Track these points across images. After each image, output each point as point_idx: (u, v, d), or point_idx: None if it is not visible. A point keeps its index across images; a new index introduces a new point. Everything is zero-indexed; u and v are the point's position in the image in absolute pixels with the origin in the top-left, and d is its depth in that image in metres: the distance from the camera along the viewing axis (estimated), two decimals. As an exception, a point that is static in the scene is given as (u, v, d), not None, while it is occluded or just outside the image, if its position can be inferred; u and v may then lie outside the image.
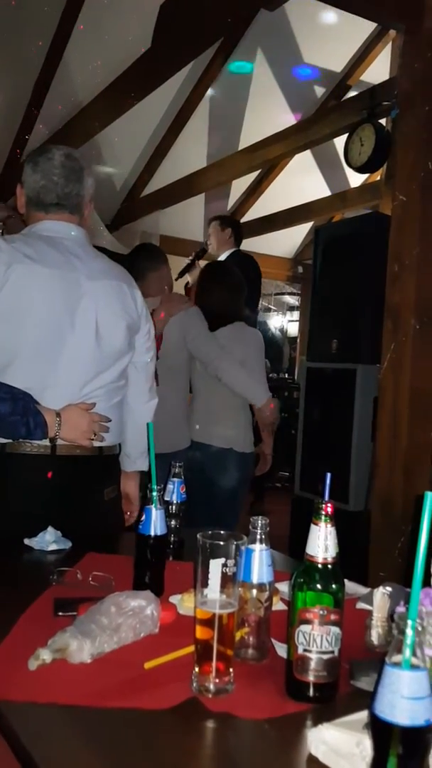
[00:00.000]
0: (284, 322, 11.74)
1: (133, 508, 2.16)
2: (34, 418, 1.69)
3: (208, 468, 3.18)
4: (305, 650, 1.01)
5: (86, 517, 1.85)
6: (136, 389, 2.09)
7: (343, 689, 1.05)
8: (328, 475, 1.07)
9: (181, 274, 4.44)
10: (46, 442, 1.77)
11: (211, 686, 1.03)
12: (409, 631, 0.75)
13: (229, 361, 3.09)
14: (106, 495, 1.97)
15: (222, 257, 4.44)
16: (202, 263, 4.40)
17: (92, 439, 1.81)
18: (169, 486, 1.80)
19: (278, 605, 1.35)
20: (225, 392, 3.16)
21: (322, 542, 1.03)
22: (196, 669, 1.04)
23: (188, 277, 4.46)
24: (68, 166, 1.91)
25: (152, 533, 1.42)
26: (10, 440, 1.77)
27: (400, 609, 0.95)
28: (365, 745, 0.82)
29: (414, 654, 0.75)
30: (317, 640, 1.01)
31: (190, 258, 4.46)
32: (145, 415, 2.10)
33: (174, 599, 1.38)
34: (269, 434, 3.34)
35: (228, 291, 3.32)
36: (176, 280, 4.36)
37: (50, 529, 1.73)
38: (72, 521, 1.78)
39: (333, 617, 1.01)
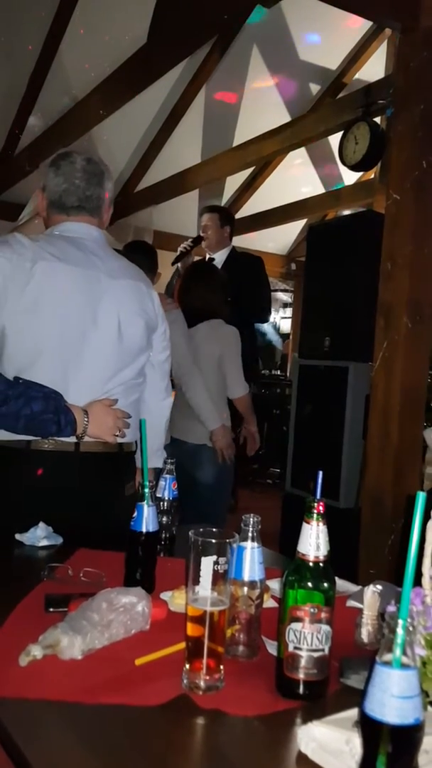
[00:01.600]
0: (277, 318, 11.74)
1: None
2: (65, 417, 1.72)
3: (184, 464, 3.20)
4: (296, 648, 1.02)
5: (108, 513, 1.85)
6: (153, 387, 2.12)
7: (333, 687, 1.06)
8: (320, 473, 1.08)
9: (176, 262, 4.39)
10: (71, 439, 1.79)
11: (202, 683, 1.03)
12: (399, 631, 0.75)
13: (199, 381, 3.17)
14: (126, 491, 1.98)
15: (218, 255, 4.35)
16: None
17: (116, 435, 1.83)
18: (161, 482, 1.81)
19: (269, 603, 1.35)
20: None
21: (313, 541, 1.03)
22: (187, 666, 1.05)
23: (179, 266, 4.40)
24: (89, 170, 1.95)
25: (144, 530, 1.42)
26: (35, 438, 1.78)
27: (391, 608, 0.96)
28: (354, 743, 0.83)
29: (404, 653, 0.75)
30: (308, 637, 1.01)
31: (187, 245, 4.33)
32: (161, 412, 2.15)
33: (165, 596, 1.39)
34: (250, 413, 3.46)
35: (210, 290, 3.39)
36: (173, 265, 4.36)
37: (41, 524, 1.73)
38: (95, 517, 1.79)
39: (324, 615, 1.02)
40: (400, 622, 0.75)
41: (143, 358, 2.02)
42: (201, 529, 1.05)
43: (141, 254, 3.29)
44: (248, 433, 3.50)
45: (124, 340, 1.93)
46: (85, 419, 1.76)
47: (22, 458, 1.80)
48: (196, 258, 4.38)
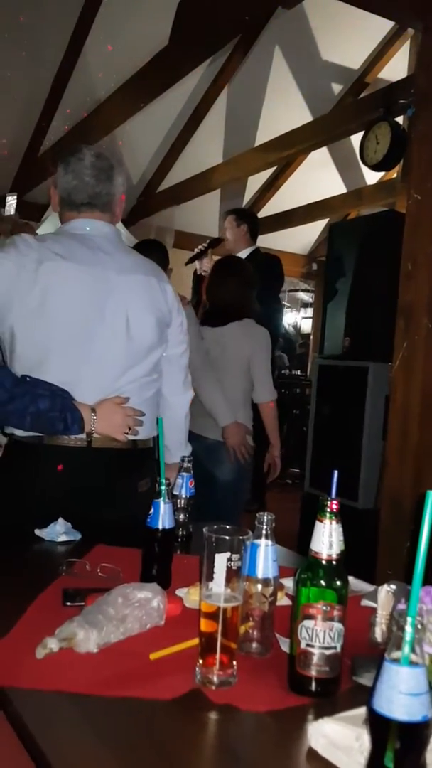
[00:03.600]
0: (298, 318, 11.73)
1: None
2: (72, 414, 1.74)
3: (203, 460, 3.19)
4: (308, 645, 1.03)
5: (120, 509, 1.86)
6: (171, 382, 2.12)
7: (345, 685, 1.07)
8: (335, 472, 1.08)
9: (190, 261, 4.39)
10: (83, 436, 1.80)
11: (215, 678, 1.04)
12: (408, 628, 0.76)
13: (210, 379, 3.11)
14: (139, 488, 1.99)
15: (240, 255, 4.30)
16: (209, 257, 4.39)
17: (127, 433, 1.84)
18: (178, 480, 1.82)
19: (283, 600, 1.36)
20: (225, 387, 3.18)
21: (326, 539, 1.04)
22: (200, 661, 1.06)
23: (197, 265, 4.40)
24: (98, 166, 1.95)
25: (160, 527, 1.44)
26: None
27: (401, 606, 0.96)
28: (364, 740, 0.83)
29: (413, 651, 0.76)
30: (320, 635, 1.02)
31: (203, 246, 4.35)
32: (181, 407, 2.16)
33: (180, 592, 1.40)
34: (276, 434, 3.36)
35: (240, 287, 3.33)
36: (186, 265, 4.37)
37: (60, 520, 1.75)
38: (106, 513, 1.81)
39: (336, 613, 1.03)
40: (409, 619, 0.76)
41: (156, 355, 2.00)
42: (215, 526, 1.07)
43: (148, 252, 3.26)
44: (271, 459, 3.36)
45: (134, 337, 1.92)
46: (93, 417, 1.77)
47: (35, 453, 1.83)
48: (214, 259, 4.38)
